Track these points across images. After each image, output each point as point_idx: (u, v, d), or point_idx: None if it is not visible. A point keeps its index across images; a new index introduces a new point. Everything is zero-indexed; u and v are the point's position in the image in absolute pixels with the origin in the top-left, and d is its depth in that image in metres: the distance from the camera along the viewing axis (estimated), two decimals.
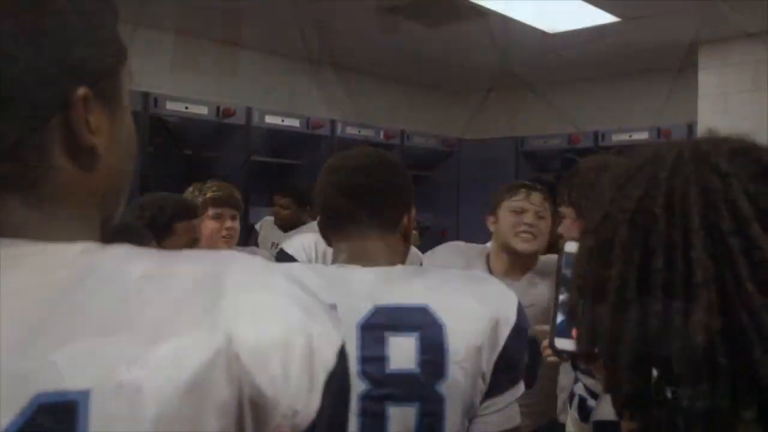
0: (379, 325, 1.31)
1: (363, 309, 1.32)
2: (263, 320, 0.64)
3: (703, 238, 0.72)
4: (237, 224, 3.13)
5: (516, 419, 1.39)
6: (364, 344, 1.30)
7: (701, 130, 5.84)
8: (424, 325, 1.30)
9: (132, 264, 0.65)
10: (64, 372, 0.58)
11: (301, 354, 0.64)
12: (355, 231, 1.46)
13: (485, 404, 1.35)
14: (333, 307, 1.28)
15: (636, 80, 7.03)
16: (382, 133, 6.64)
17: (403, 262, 1.51)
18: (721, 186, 0.74)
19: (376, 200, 1.47)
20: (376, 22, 5.45)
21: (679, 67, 6.36)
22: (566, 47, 6.11)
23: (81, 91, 0.68)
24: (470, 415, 1.34)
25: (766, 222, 0.72)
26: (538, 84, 7.51)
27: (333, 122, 6.29)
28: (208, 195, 3.04)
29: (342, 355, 0.69)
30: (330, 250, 3.37)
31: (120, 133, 0.74)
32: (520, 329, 1.36)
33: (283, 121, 6.01)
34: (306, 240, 3.39)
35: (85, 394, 0.57)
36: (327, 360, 0.66)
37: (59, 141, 0.68)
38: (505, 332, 1.33)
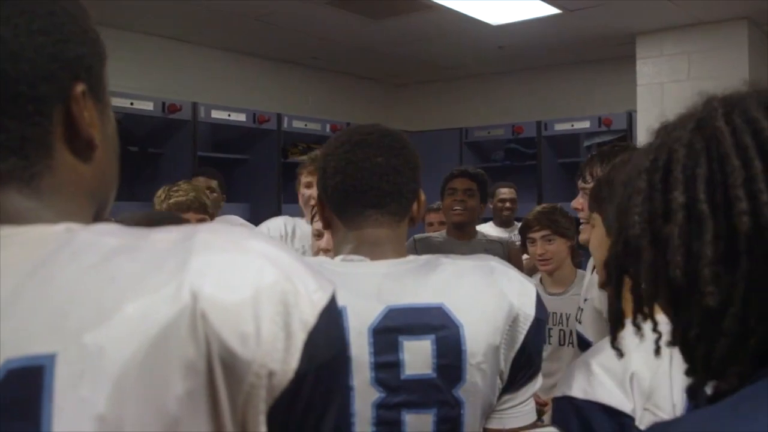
0: (392, 328, 1.23)
1: (374, 311, 1.23)
2: (233, 278, 0.62)
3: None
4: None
5: (533, 415, 1.35)
6: (376, 350, 1.22)
7: (640, 118, 6.01)
8: (439, 326, 1.23)
9: (109, 236, 0.65)
10: (31, 337, 0.59)
11: (275, 311, 0.62)
12: (370, 215, 1.35)
13: (502, 399, 1.30)
14: (342, 309, 1.18)
15: (577, 71, 7.16)
16: (328, 127, 6.63)
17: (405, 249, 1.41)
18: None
19: (397, 183, 1.35)
20: (320, 15, 5.44)
21: (618, 57, 6.50)
22: (509, 39, 6.20)
23: (80, 86, 0.71)
24: (487, 413, 1.29)
25: None
26: (482, 75, 7.59)
27: (279, 116, 6.26)
28: (171, 200, 2.97)
29: (327, 316, 0.66)
30: (302, 229, 3.37)
31: (108, 128, 0.78)
32: (539, 323, 1.30)
33: (229, 116, 5.94)
34: (273, 224, 3.41)
35: (50, 358, 0.58)
36: (306, 319, 0.64)
37: (61, 135, 0.71)
38: (524, 328, 1.27)
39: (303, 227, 3.38)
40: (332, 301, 0.68)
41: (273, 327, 0.62)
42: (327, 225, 1.43)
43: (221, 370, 0.61)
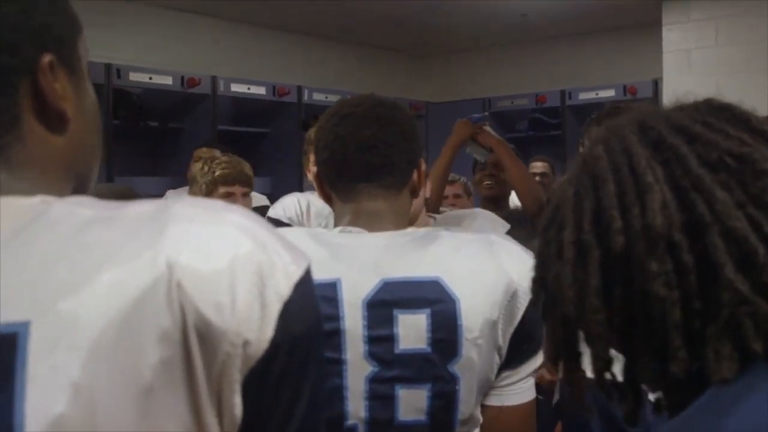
0: (387, 301, 1.20)
1: (369, 284, 1.21)
2: (208, 249, 0.63)
3: (645, 151, 0.77)
4: (249, 201, 2.99)
5: (532, 392, 1.32)
6: (371, 323, 1.20)
7: (666, 86, 5.91)
8: (435, 300, 1.20)
9: (84, 208, 0.65)
10: (5, 306, 0.58)
11: (250, 282, 0.63)
12: (362, 189, 1.32)
13: (501, 376, 1.27)
14: (337, 281, 1.21)
15: (601, 38, 7.05)
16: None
17: (411, 222, 1.39)
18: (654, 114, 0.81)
19: (388, 155, 1.31)
20: None
21: (644, 24, 6.39)
22: (532, 7, 6.11)
23: (47, 57, 0.69)
24: (485, 390, 1.27)
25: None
26: (505, 45, 7.51)
27: (300, 89, 6.24)
28: (217, 173, 2.89)
29: (302, 288, 0.67)
30: (316, 206, 3.37)
31: (84, 101, 0.76)
32: None
33: (249, 89, 5.93)
34: (287, 202, 3.36)
35: (24, 325, 0.58)
36: (281, 290, 0.65)
37: (29, 107, 0.69)
38: (523, 303, 1.23)
39: (317, 204, 3.32)
40: (307, 274, 0.68)
41: (248, 297, 0.62)
42: (328, 199, 1.41)
43: (196, 339, 0.61)
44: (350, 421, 1.21)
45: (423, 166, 1.40)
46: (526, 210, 3.26)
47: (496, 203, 3.51)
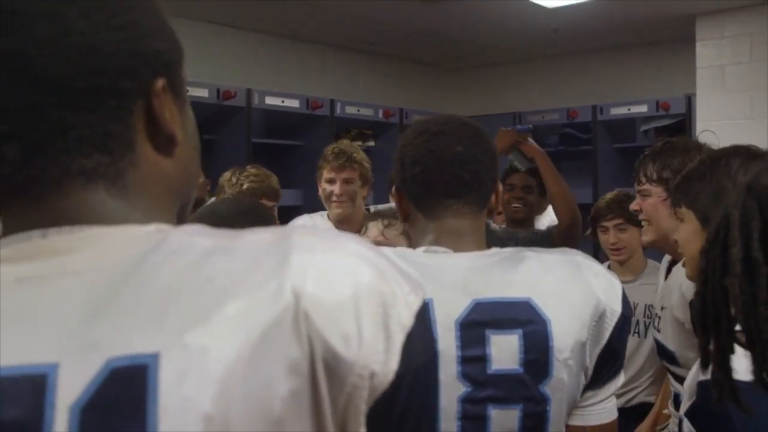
0: (479, 322, 1.22)
1: (461, 304, 1.22)
2: (333, 279, 0.62)
3: None
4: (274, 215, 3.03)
5: (614, 412, 1.33)
6: (463, 344, 1.21)
7: (700, 102, 5.89)
8: (527, 321, 1.22)
9: (202, 237, 0.66)
10: (133, 336, 0.59)
11: (374, 312, 0.63)
12: (450, 206, 1.33)
13: (585, 396, 1.28)
14: (429, 302, 1.18)
15: (634, 53, 7.04)
16: (381, 112, 6.62)
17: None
18: None
19: (478, 172, 1.34)
20: None
21: (677, 39, 6.38)
22: (564, 22, 6.11)
23: (160, 81, 0.70)
24: (570, 409, 1.28)
25: None
26: (536, 59, 7.51)
27: (332, 102, 6.27)
28: (245, 186, 2.96)
29: (422, 317, 0.67)
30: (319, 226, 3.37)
31: (188, 124, 0.77)
32: (625, 319, 1.28)
33: (283, 102, 5.97)
34: (298, 223, 3.36)
35: (154, 357, 0.58)
36: (404, 320, 0.65)
37: (142, 131, 0.70)
38: (610, 324, 1.25)
39: (324, 226, 3.33)
40: (425, 304, 0.68)
41: (374, 327, 0.63)
42: (405, 217, 1.41)
43: (324, 371, 0.60)
44: None
45: (500, 187, 1.42)
46: (560, 223, 3.28)
47: (521, 225, 3.52)
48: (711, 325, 0.96)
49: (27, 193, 0.67)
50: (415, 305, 0.66)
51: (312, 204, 6.04)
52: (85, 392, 0.57)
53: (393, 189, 1.44)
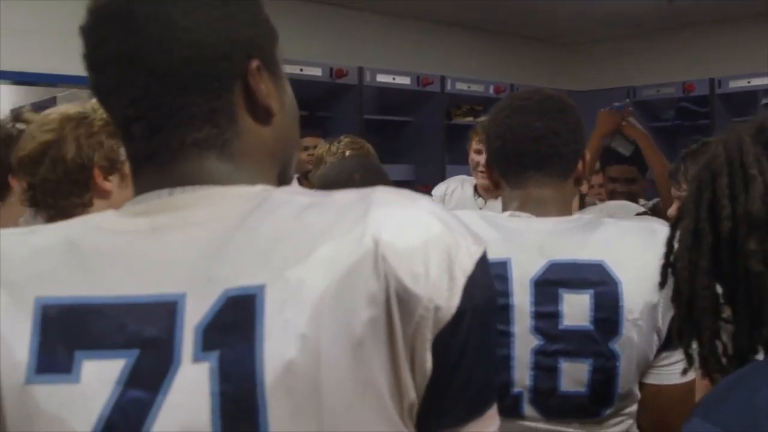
0: (553, 281, 1.30)
1: (537, 264, 1.32)
2: (407, 229, 0.74)
3: (755, 148, 0.92)
4: None
5: (692, 373, 1.33)
6: (537, 300, 1.30)
7: None
8: (598, 282, 1.29)
9: (300, 195, 0.80)
10: (243, 272, 0.73)
11: (440, 258, 0.74)
12: (531, 177, 1.42)
13: (660, 357, 1.33)
14: (507, 261, 1.31)
15: (754, 23, 6.77)
16: (492, 88, 6.64)
17: (571, 209, 1.47)
18: None
19: (556, 146, 1.42)
20: None
21: None
22: None
23: (254, 62, 0.83)
24: (643, 368, 1.33)
25: None
26: (650, 32, 7.34)
27: (443, 78, 6.34)
28: (347, 153, 3.11)
29: (481, 265, 0.77)
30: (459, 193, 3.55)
31: (285, 98, 0.89)
32: None
33: (394, 79, 6.09)
34: (437, 191, 3.58)
35: (260, 288, 0.72)
36: (466, 266, 0.75)
37: (242, 105, 0.83)
38: None
39: (467, 190, 3.55)
40: (484, 254, 0.79)
41: (439, 270, 0.74)
42: (496, 185, 1.52)
43: (397, 303, 0.72)
44: (516, 389, 1.32)
45: (587, 157, 1.50)
46: (667, 204, 3.27)
47: None
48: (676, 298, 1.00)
49: (153, 162, 0.82)
50: (477, 255, 0.77)
51: (423, 179, 6.18)
52: (206, 316, 0.72)
53: (485, 160, 1.56)
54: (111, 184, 1.50)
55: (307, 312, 0.71)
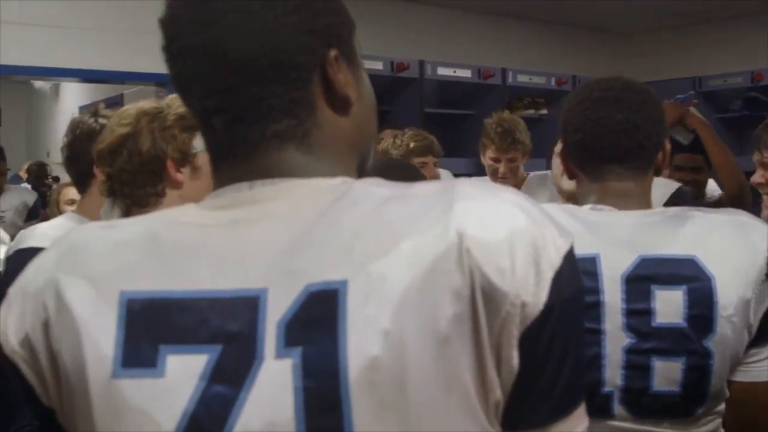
0: (645, 277, 1.26)
1: (627, 260, 1.28)
2: (491, 222, 0.72)
3: None
4: (438, 171, 3.20)
5: None
6: (629, 297, 1.26)
7: None
8: (691, 277, 1.25)
9: (380, 188, 0.77)
10: (325, 267, 0.71)
11: (526, 252, 0.71)
12: (612, 170, 1.39)
13: (749, 353, 1.30)
14: (596, 256, 1.28)
15: None
16: (553, 80, 6.57)
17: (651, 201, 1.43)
18: None
19: (638, 139, 1.37)
20: None
21: None
22: None
23: (332, 52, 0.81)
24: (733, 366, 1.30)
25: None
26: (716, 20, 7.19)
27: (504, 71, 6.28)
28: (412, 145, 3.12)
29: (569, 259, 0.75)
30: None
31: (362, 87, 0.87)
32: None
33: (454, 72, 6.06)
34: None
35: (343, 283, 0.70)
36: (553, 260, 0.73)
37: (320, 95, 0.81)
38: None
39: None
40: (572, 247, 0.77)
41: (525, 264, 0.71)
42: (572, 176, 1.48)
43: (482, 299, 0.70)
44: (606, 388, 1.28)
45: (668, 146, 1.45)
46: (727, 193, 3.21)
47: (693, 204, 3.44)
48: None
49: (234, 154, 0.81)
50: (564, 248, 0.75)
51: (483, 172, 6.12)
52: (288, 311, 0.71)
53: (559, 149, 1.52)
54: (183, 175, 1.55)
55: (390, 308, 0.69)
